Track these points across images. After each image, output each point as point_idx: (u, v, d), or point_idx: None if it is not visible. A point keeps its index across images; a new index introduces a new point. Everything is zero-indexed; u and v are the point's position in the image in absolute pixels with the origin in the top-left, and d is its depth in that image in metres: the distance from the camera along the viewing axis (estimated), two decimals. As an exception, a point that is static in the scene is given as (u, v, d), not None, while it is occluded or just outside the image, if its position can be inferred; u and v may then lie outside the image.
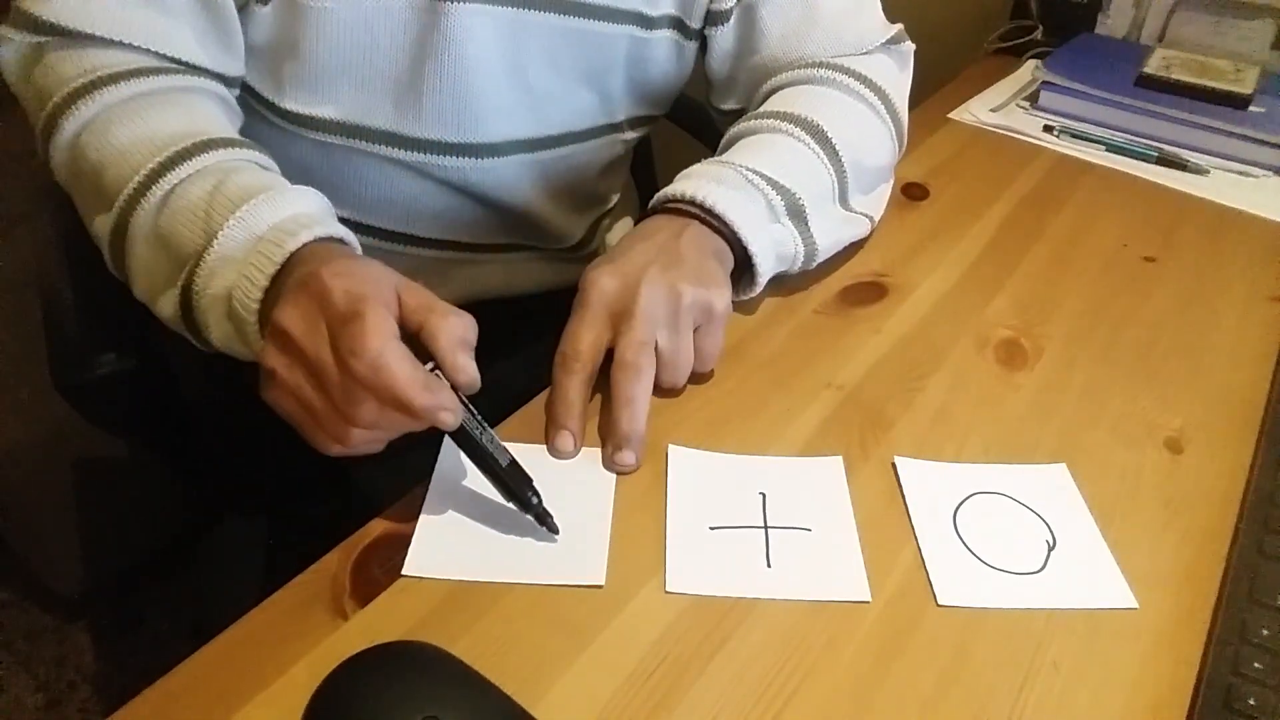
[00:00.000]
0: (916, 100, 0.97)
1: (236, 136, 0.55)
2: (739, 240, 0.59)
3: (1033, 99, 0.99)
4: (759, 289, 0.62)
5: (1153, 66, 0.97)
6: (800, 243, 0.63)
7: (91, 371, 0.63)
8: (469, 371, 0.44)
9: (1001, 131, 0.94)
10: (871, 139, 0.69)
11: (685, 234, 0.57)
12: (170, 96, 0.55)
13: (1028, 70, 1.07)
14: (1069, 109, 0.96)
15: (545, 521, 0.47)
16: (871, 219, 0.70)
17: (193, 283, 0.48)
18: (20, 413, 1.13)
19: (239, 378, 0.74)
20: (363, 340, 0.40)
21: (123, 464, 1.20)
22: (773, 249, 0.61)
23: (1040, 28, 1.13)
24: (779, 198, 0.61)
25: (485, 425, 0.47)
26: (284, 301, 0.44)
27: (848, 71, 0.69)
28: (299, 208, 0.49)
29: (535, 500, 0.48)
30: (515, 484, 0.48)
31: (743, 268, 0.61)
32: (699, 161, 0.63)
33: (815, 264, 0.66)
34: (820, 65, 0.69)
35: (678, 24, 0.69)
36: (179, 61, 0.56)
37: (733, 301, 0.58)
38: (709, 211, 0.58)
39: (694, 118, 1.02)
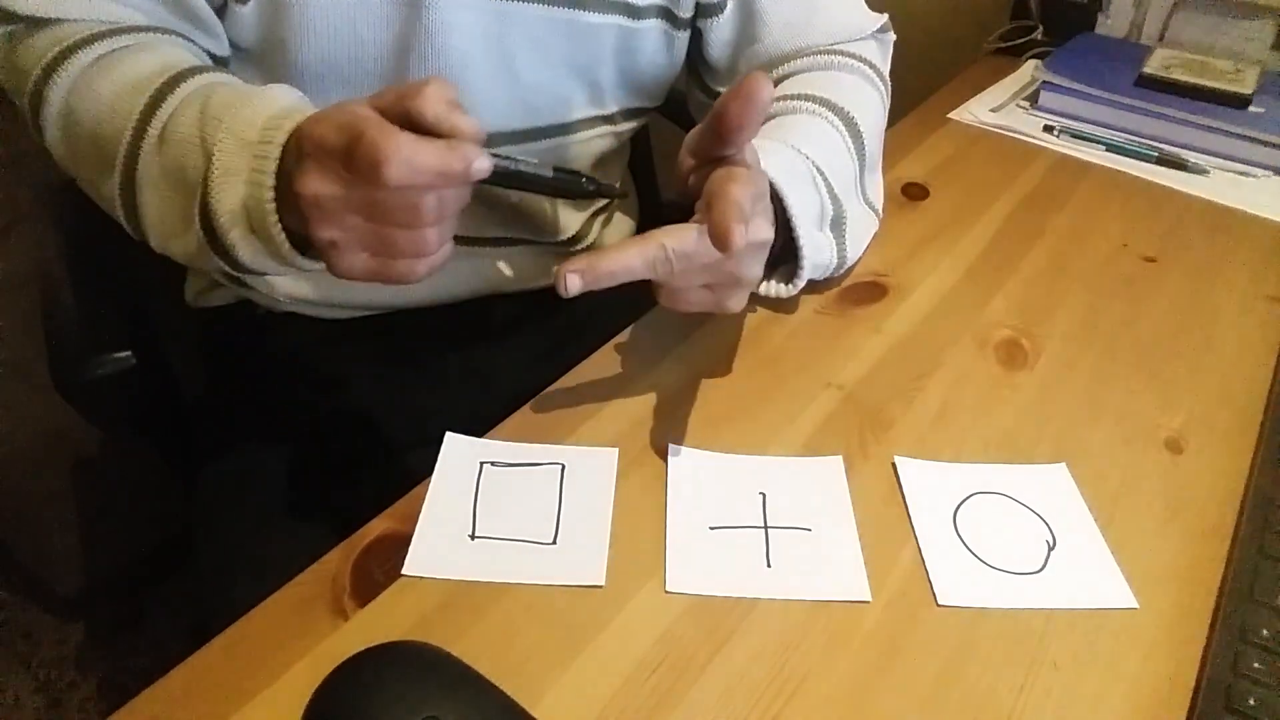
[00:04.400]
0: (916, 100, 0.97)
1: (208, 63, 0.55)
2: (794, 241, 0.60)
3: (1033, 99, 0.99)
4: (796, 290, 0.63)
5: (1153, 66, 0.97)
6: (835, 254, 0.65)
7: (91, 371, 0.63)
8: (469, 123, 0.43)
9: (1001, 131, 0.94)
10: (880, 121, 0.72)
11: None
12: (139, 45, 0.55)
13: (1028, 70, 1.07)
14: (1069, 109, 0.96)
15: (610, 192, 0.50)
16: (879, 214, 0.72)
17: (209, 205, 0.47)
18: (20, 413, 1.13)
19: (239, 378, 0.75)
20: (378, 148, 0.40)
21: (123, 464, 1.20)
22: (815, 255, 0.62)
23: (1040, 28, 1.13)
24: (830, 205, 0.63)
25: (510, 156, 0.48)
26: (295, 178, 0.43)
27: (852, 56, 0.72)
28: (280, 103, 0.48)
29: (590, 184, 0.50)
30: (568, 183, 0.50)
31: (772, 267, 0.62)
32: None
33: (838, 274, 0.67)
34: (825, 51, 0.72)
35: (666, 14, 0.69)
36: (144, 26, 0.56)
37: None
38: (778, 200, 0.58)
39: (693, 118, 1.02)
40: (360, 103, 0.43)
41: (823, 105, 0.67)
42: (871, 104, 0.71)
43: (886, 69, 0.76)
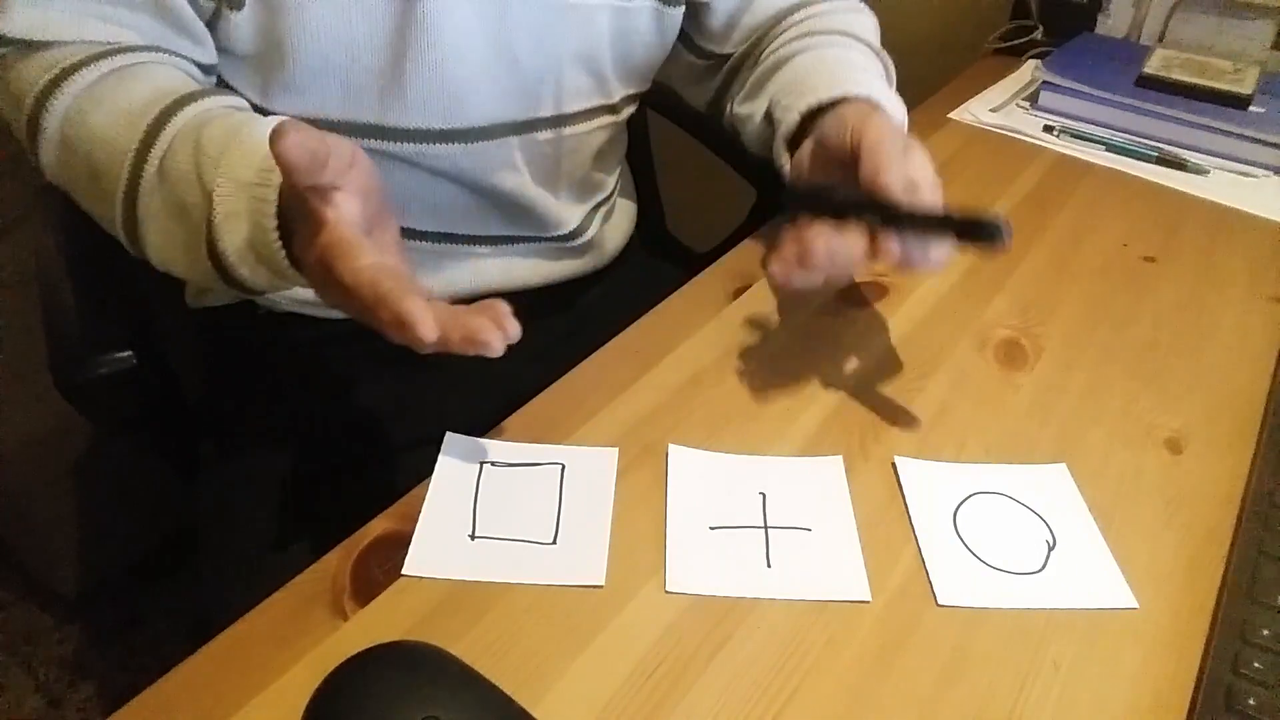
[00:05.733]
0: (916, 100, 0.97)
1: (197, 87, 0.56)
2: None
3: (1033, 99, 0.99)
4: None
5: (1153, 66, 0.97)
6: None
7: (91, 371, 0.63)
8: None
9: (1001, 131, 0.94)
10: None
11: None
12: (130, 70, 0.55)
13: (1028, 70, 1.07)
14: (1069, 109, 0.96)
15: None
16: None
17: (216, 246, 0.49)
18: (20, 412, 1.13)
19: (239, 378, 0.75)
20: (410, 321, 0.40)
21: (123, 464, 1.20)
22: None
23: (1040, 28, 1.13)
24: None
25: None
26: (317, 289, 0.45)
27: (851, 6, 0.77)
28: (262, 145, 0.48)
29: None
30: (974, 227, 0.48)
31: None
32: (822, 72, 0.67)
33: None
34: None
35: None
36: (135, 46, 0.56)
37: None
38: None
39: (693, 117, 1.02)
40: (351, 243, 0.43)
41: (843, 35, 0.71)
42: (874, 33, 0.76)
43: None
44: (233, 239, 0.48)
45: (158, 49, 0.57)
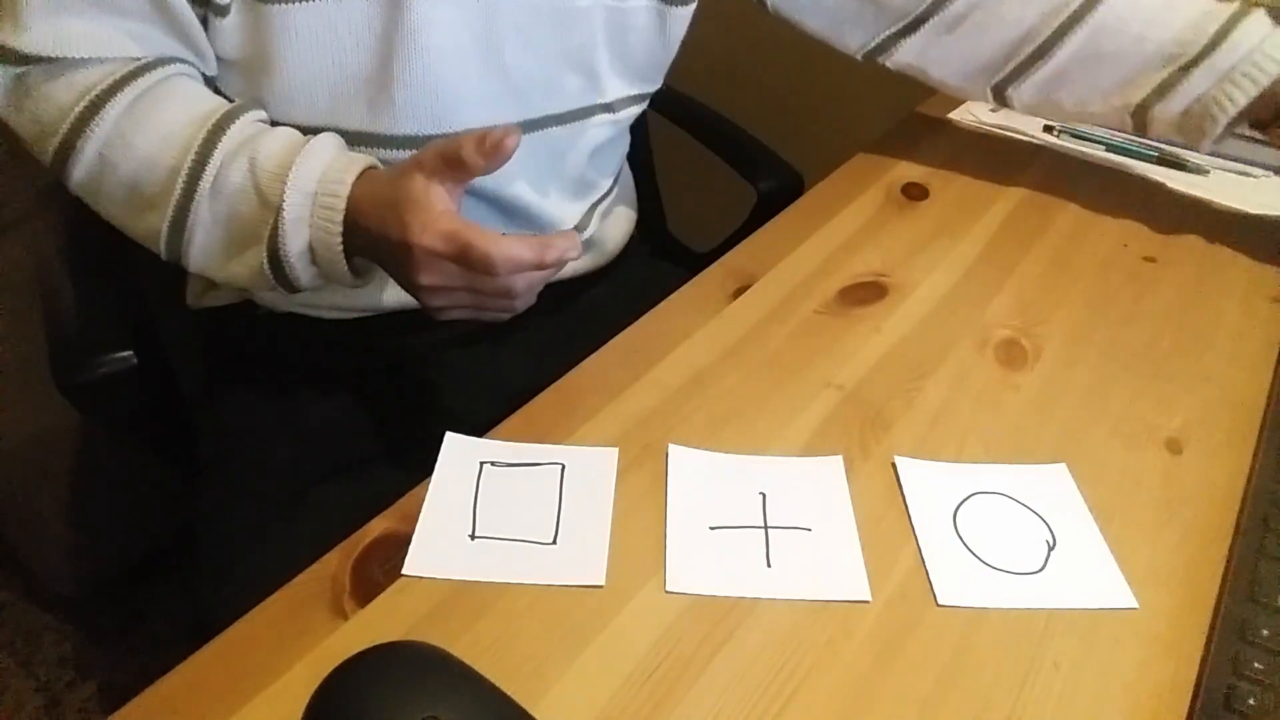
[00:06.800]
0: (916, 100, 0.97)
1: (232, 104, 0.59)
2: None
3: (1033, 99, 0.99)
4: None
5: (1153, 66, 0.97)
6: None
7: (92, 371, 0.63)
8: (503, 147, 0.51)
9: (1001, 131, 0.94)
10: None
11: None
12: (161, 88, 0.58)
13: (1028, 70, 1.07)
14: (1069, 109, 0.96)
15: None
16: None
17: (278, 249, 0.56)
18: (20, 413, 1.13)
19: (240, 378, 0.75)
20: (488, 257, 0.50)
21: (123, 464, 1.20)
22: None
23: (1040, 28, 1.13)
24: None
25: None
26: (411, 273, 0.52)
27: None
28: (326, 155, 0.56)
29: None
30: None
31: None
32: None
33: None
34: None
35: None
36: (154, 62, 0.58)
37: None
38: None
39: (693, 117, 1.02)
40: (414, 176, 0.52)
41: None
42: None
43: None
44: (295, 243, 0.55)
45: (175, 60, 0.59)
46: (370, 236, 0.54)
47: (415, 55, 0.60)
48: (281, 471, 0.67)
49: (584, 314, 0.79)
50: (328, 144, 0.57)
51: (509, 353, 0.75)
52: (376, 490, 0.52)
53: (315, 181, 0.55)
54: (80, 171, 0.57)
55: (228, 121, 0.57)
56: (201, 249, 0.58)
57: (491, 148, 0.50)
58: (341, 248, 0.55)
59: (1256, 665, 0.43)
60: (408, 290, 0.55)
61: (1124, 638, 0.45)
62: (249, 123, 0.58)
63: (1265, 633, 0.44)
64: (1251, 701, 0.41)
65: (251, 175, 0.56)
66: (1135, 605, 0.47)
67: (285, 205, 0.54)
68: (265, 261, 0.56)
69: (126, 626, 1.30)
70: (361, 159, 0.57)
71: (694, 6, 0.72)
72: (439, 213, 0.51)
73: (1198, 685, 0.43)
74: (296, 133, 0.59)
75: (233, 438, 0.71)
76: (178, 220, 0.57)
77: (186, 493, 0.71)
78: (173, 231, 0.57)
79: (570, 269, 0.81)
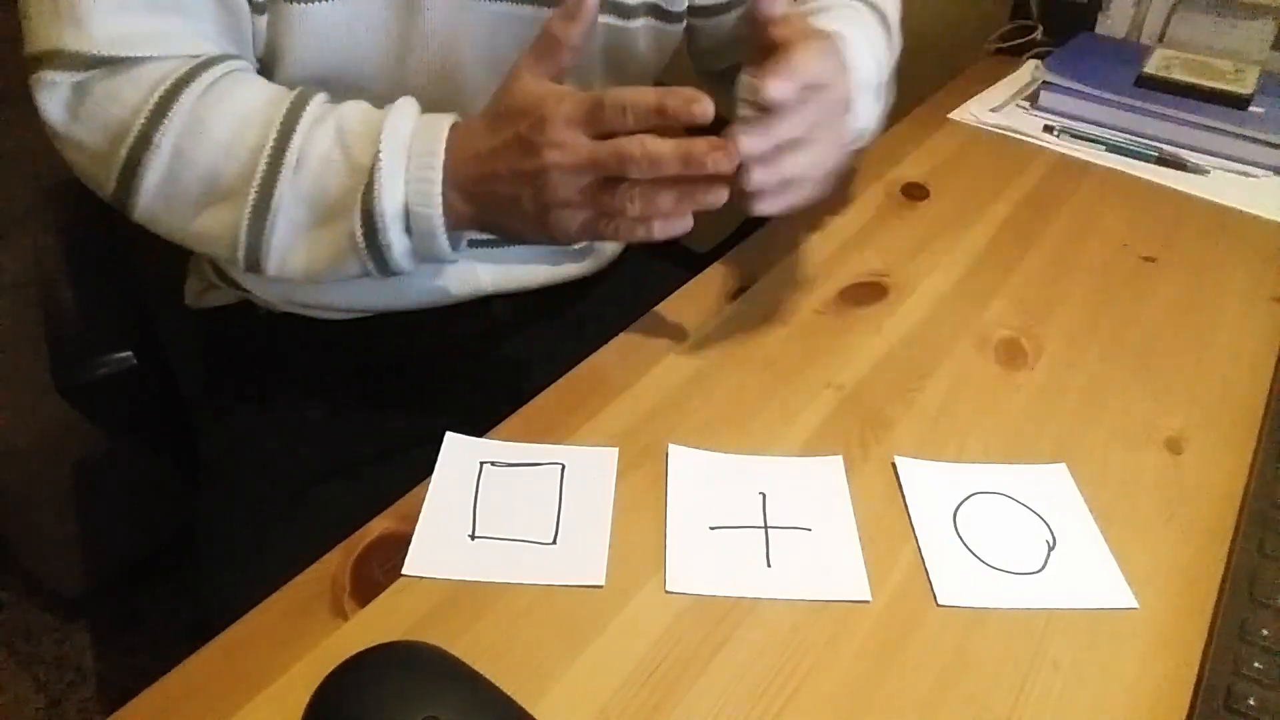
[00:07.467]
0: (916, 100, 0.97)
1: (301, 88, 0.58)
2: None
3: (1033, 99, 0.99)
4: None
5: (1153, 66, 0.97)
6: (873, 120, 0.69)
7: (91, 371, 0.63)
8: (585, 4, 0.52)
9: (1001, 131, 0.94)
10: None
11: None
12: (229, 80, 0.56)
13: (1028, 70, 1.07)
14: (1069, 109, 0.96)
15: None
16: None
17: (372, 208, 0.53)
18: (20, 413, 1.13)
19: (239, 378, 0.75)
20: (620, 95, 0.51)
21: (123, 464, 1.20)
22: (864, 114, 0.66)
23: (1040, 28, 1.13)
24: (882, 75, 0.68)
25: None
26: (534, 155, 0.52)
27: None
28: (410, 115, 0.55)
29: None
30: None
31: None
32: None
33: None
34: None
35: (656, 11, 0.69)
36: (217, 56, 0.57)
37: None
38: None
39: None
40: (519, 78, 0.53)
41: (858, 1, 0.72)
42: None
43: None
44: (391, 202, 0.53)
45: (232, 57, 0.58)
46: (474, 170, 0.53)
47: (430, 61, 0.61)
48: (281, 471, 0.67)
49: (584, 315, 0.79)
50: (414, 104, 0.56)
51: (509, 353, 0.75)
52: (376, 490, 0.52)
53: (409, 136, 0.54)
54: (153, 175, 0.54)
55: (305, 99, 0.56)
56: (286, 232, 0.56)
57: (575, 5, 0.51)
58: (441, 201, 0.53)
59: (1256, 665, 0.43)
60: (530, 201, 0.53)
61: (1124, 638, 0.45)
62: (323, 101, 0.57)
63: (1265, 633, 0.44)
64: (1251, 701, 0.41)
65: (337, 140, 0.55)
66: (1135, 605, 0.47)
67: (381, 159, 0.53)
68: (359, 228, 0.54)
69: (126, 626, 1.30)
70: (448, 116, 0.56)
71: (684, 24, 0.73)
72: (562, 91, 0.52)
73: (1198, 685, 0.43)
74: (396, 104, 0.57)
75: (233, 438, 0.71)
76: (260, 204, 0.54)
77: (186, 493, 0.71)
78: (255, 218, 0.55)
79: (570, 273, 0.81)
